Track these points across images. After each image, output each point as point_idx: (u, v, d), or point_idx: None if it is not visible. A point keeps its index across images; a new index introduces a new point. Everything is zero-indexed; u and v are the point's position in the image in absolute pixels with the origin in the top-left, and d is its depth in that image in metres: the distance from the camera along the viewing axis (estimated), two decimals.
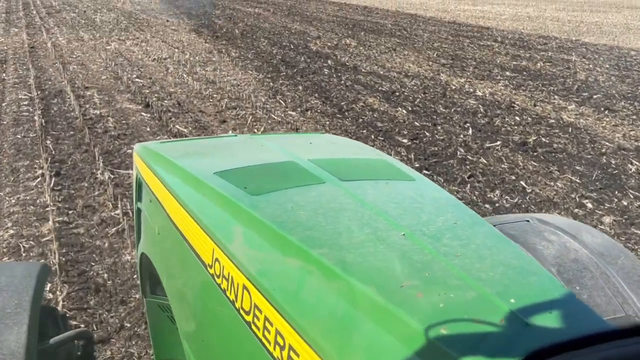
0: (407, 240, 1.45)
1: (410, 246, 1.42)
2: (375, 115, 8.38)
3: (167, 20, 19.69)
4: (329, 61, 12.82)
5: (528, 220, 1.97)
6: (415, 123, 8.00)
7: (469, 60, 13.50)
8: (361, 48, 14.92)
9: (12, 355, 1.41)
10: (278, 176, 1.96)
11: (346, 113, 8.49)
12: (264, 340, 1.30)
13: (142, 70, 11.26)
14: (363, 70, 11.95)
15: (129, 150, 6.31)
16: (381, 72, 11.79)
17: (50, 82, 9.84)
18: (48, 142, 6.57)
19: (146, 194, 2.29)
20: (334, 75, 11.24)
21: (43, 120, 7.38)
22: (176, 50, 13.70)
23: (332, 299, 1.27)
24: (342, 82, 10.71)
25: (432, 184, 2.07)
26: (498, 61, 13.48)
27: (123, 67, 11.43)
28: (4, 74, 10.36)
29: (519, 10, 29.16)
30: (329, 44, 15.55)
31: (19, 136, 6.80)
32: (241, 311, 1.41)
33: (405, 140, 7.17)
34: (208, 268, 1.61)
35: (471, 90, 10.26)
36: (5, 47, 13.26)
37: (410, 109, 8.84)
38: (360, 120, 8.12)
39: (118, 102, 8.62)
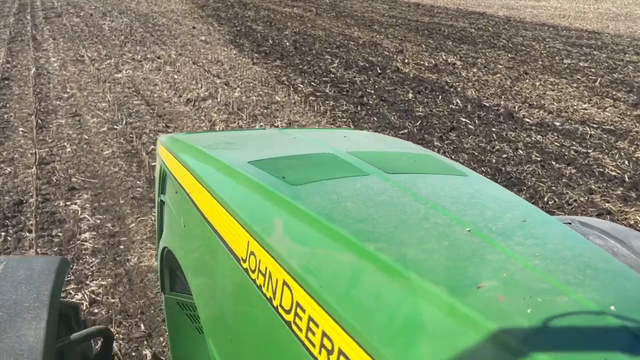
0: (475, 237, 1.19)
1: (479, 243, 1.17)
2: None
3: (194, 27, 14.74)
4: (455, 99, 7.91)
5: (570, 223, 1.75)
6: None
7: None
8: (474, 70, 9.97)
9: (30, 351, 1.26)
10: (317, 167, 1.69)
11: None
12: (306, 342, 1.08)
13: (172, 126, 6.43)
14: (527, 119, 7.03)
15: None
16: (557, 124, 6.88)
17: (5, 174, 5.02)
18: None
19: (171, 186, 2.02)
20: (492, 135, 6.35)
21: None
22: (217, 80, 8.81)
23: (393, 299, 1.03)
24: (521, 152, 5.83)
25: (488, 180, 1.78)
26: None
27: (141, 120, 6.59)
28: None
29: (595, 6, 23.99)
30: (422, 62, 10.61)
31: None
32: (280, 309, 1.19)
33: None
34: (241, 262, 1.37)
35: None
36: None
37: None
38: None
39: (134, 245, 3.80)
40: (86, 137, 6.06)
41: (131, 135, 6.01)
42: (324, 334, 1.05)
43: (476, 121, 6.89)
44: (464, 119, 6.95)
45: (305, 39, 13.33)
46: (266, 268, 1.26)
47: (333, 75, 9.37)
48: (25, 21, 15.13)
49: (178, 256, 1.92)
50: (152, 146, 5.71)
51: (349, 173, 1.61)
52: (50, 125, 6.41)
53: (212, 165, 1.80)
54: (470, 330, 0.90)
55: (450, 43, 12.97)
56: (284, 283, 1.19)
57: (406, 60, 10.72)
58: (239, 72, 9.43)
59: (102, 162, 5.32)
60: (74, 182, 4.81)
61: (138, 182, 4.80)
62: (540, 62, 10.81)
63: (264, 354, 1.33)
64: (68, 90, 8.04)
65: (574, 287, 1.01)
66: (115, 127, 6.35)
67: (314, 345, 1.07)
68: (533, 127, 6.70)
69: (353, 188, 1.50)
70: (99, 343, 1.90)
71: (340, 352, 1.00)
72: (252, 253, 1.33)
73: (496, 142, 6.10)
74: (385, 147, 2.25)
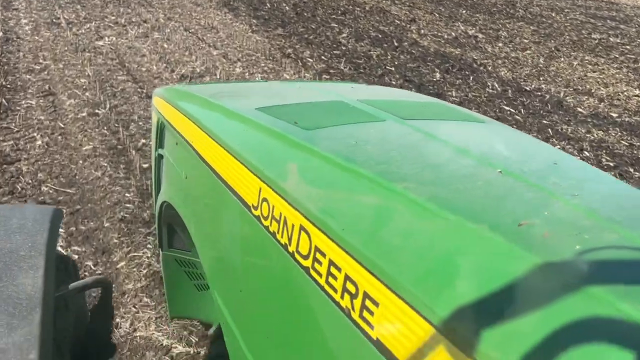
0: (507, 177, 1.12)
1: (514, 183, 1.10)
2: None
3: None
4: (489, 80, 6.85)
5: None
6: None
7: None
8: (500, 45, 8.88)
9: (28, 300, 1.21)
10: (329, 113, 1.59)
11: None
12: (327, 287, 1.01)
13: None
14: (579, 109, 6.01)
15: None
16: (614, 115, 5.88)
17: None
18: None
19: (171, 138, 1.91)
20: (547, 130, 5.32)
21: None
22: (214, 51, 7.61)
23: (425, 239, 0.95)
24: (588, 154, 4.83)
25: (508, 127, 1.71)
26: None
27: (128, 102, 5.44)
28: None
29: None
30: (441, 34, 9.46)
31: None
32: (296, 255, 1.11)
33: None
34: (252, 210, 1.29)
35: None
36: None
37: None
38: None
39: (125, 299, 2.74)
40: (61, 125, 4.91)
41: (116, 125, 4.87)
42: (347, 278, 0.96)
43: (522, 110, 5.85)
44: (507, 107, 5.91)
45: (305, 2, 12.02)
46: (281, 214, 1.16)
47: (345, 48, 8.21)
48: None
49: (179, 210, 1.80)
50: (143, 140, 4.59)
51: (363, 119, 1.53)
52: (18, 108, 5.22)
53: (218, 113, 1.69)
54: (517, 266, 0.81)
55: (464, 12, 11.79)
56: (301, 228, 1.09)
57: (422, 32, 9.56)
58: (237, 42, 8.21)
59: (81, 162, 4.19)
60: (44, 193, 3.70)
61: (127, 195, 3.70)
62: (567, 37, 9.74)
63: (278, 302, 1.22)
64: (41, 60, 6.79)
65: (619, 224, 0.94)
66: (96, 111, 5.19)
67: (335, 290, 0.98)
68: (589, 120, 5.69)
69: (370, 132, 1.42)
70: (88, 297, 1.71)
71: (366, 295, 0.91)
72: (264, 199, 1.23)
73: (555, 140, 5.09)
74: (396, 96, 2.14)
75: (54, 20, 8.94)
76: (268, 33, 8.90)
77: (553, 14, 11.98)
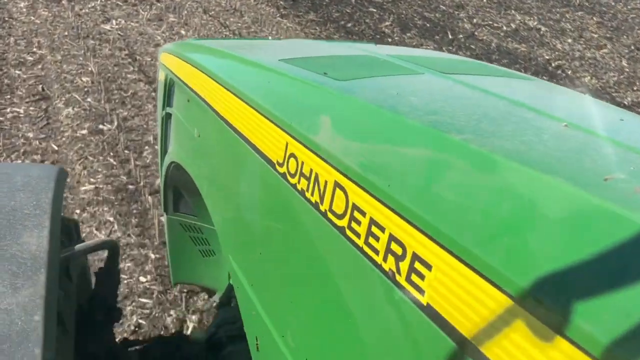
0: (576, 131, 0.96)
1: (585, 137, 0.94)
2: None
3: None
4: (576, 89, 5.62)
5: None
6: None
7: None
8: (569, 41, 7.60)
9: (33, 260, 1.14)
10: (361, 66, 1.44)
11: None
12: (366, 248, 0.88)
13: None
14: None
15: None
16: None
17: None
18: None
19: (181, 94, 1.77)
20: None
21: None
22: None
23: (491, 194, 0.78)
24: None
25: (558, 86, 1.57)
26: None
27: (140, 113, 4.26)
28: None
29: None
30: (497, 25, 8.17)
31: None
32: (329, 215, 0.97)
33: None
34: (277, 166, 1.15)
35: None
36: None
37: None
38: None
39: None
40: (55, 146, 3.74)
41: (126, 150, 3.69)
42: (391, 238, 0.83)
43: None
44: None
45: None
46: (311, 170, 1.04)
47: (391, 40, 6.95)
48: None
49: (190, 170, 1.70)
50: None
51: (399, 72, 1.37)
52: (1, 119, 4.05)
53: (236, 64, 1.56)
54: (610, 225, 0.66)
55: None
56: (336, 185, 0.97)
57: (475, 21, 8.26)
58: (266, 29, 6.95)
59: (78, 212, 3.04)
60: None
61: (142, 280, 2.55)
62: (639, 32, 8.44)
63: (304, 264, 1.09)
64: (35, 48, 5.58)
65: None
66: (101, 127, 4.01)
67: (376, 252, 0.86)
68: None
69: (411, 84, 1.27)
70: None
71: (416, 257, 0.79)
72: (291, 155, 1.11)
73: None
74: (428, 53, 2.01)
75: None
76: (299, 18, 7.62)
77: (612, 2, 10.61)
